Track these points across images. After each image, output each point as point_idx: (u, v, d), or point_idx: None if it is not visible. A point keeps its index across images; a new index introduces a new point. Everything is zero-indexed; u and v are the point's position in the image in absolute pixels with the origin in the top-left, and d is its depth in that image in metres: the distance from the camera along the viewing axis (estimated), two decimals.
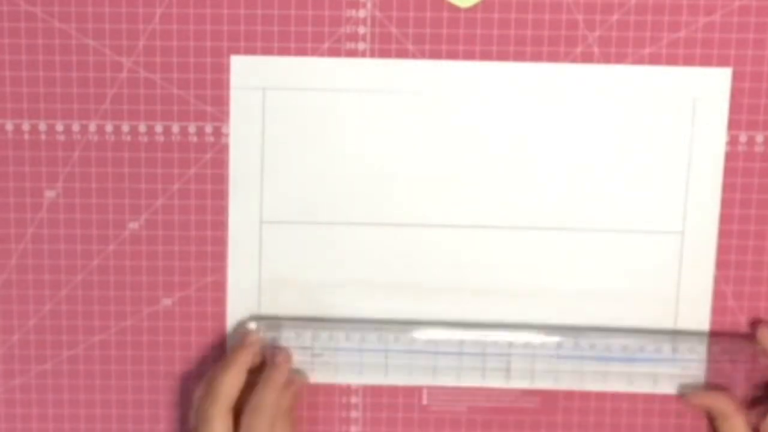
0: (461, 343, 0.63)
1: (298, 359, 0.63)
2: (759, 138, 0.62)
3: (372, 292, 0.64)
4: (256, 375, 0.62)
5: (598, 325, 0.64)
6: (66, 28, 0.61)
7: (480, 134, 0.62)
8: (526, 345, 0.63)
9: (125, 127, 0.62)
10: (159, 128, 0.62)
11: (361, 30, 0.61)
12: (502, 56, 0.61)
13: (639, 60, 0.61)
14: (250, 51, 0.61)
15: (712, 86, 0.62)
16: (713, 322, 0.64)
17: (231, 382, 0.60)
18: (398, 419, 0.65)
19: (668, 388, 0.64)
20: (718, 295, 0.64)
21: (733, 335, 0.63)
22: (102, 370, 0.65)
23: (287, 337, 0.63)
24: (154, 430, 0.66)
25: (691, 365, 0.63)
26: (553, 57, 0.61)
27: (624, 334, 0.63)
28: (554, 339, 0.63)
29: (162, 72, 0.62)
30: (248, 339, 0.62)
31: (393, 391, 0.65)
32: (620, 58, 0.61)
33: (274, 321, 0.63)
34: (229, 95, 0.62)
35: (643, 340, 0.63)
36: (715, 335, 0.64)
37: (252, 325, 0.63)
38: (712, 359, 0.63)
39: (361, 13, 0.61)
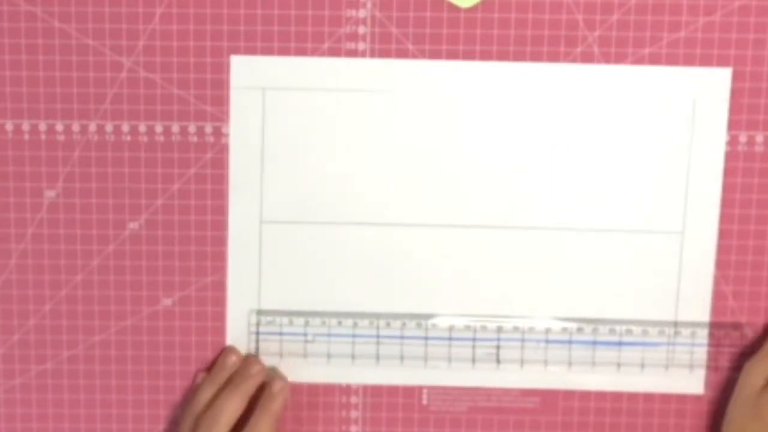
0: (451, 328, 0.63)
1: (290, 347, 0.64)
2: (759, 138, 0.62)
3: (372, 292, 0.64)
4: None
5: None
6: (66, 28, 0.61)
7: (480, 134, 0.62)
8: (515, 329, 0.63)
9: (125, 127, 0.62)
10: (159, 128, 0.62)
11: (361, 30, 0.61)
12: (502, 56, 0.61)
13: (639, 60, 0.61)
14: (250, 51, 0.61)
15: (712, 86, 0.61)
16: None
17: (234, 407, 0.61)
18: (398, 419, 0.65)
19: (656, 375, 0.64)
20: (718, 295, 0.64)
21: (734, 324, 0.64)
22: (102, 370, 0.65)
23: (280, 323, 0.63)
24: (154, 430, 0.66)
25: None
26: (553, 57, 0.61)
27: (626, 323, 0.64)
28: (544, 324, 0.63)
29: (162, 72, 0.62)
30: (253, 369, 0.63)
31: (393, 391, 0.65)
32: (620, 58, 0.61)
33: (272, 314, 0.64)
34: (229, 95, 0.62)
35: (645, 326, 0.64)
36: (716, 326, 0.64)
37: (253, 355, 0.64)
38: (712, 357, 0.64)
39: (361, 13, 0.61)
